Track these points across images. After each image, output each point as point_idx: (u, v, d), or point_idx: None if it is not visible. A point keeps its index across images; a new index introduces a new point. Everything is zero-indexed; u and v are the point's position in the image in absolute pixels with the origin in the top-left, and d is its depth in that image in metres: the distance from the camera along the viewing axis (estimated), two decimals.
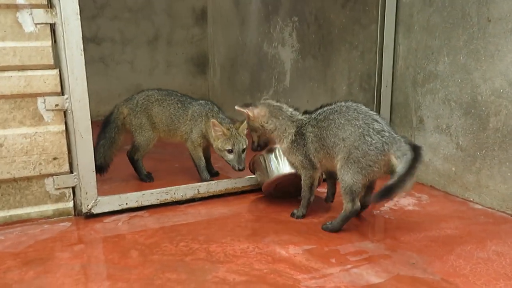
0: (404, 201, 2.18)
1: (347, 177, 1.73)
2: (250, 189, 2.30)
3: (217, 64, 4.96)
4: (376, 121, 1.76)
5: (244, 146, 2.32)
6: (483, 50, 2.06)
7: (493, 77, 2.02)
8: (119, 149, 2.59)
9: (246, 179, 2.31)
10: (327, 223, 1.85)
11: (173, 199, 2.15)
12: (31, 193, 1.99)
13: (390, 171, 1.71)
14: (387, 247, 1.69)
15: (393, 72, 2.58)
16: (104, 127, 2.57)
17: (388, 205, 2.13)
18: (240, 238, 1.78)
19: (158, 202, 2.13)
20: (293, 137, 1.89)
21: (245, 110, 1.99)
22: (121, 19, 4.69)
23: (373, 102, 2.65)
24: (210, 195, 2.23)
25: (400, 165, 1.63)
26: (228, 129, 2.30)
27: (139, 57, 4.83)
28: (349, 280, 1.45)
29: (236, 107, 2.06)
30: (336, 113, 1.81)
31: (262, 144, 2.06)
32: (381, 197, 1.63)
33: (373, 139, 1.71)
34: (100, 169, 2.48)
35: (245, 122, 2.21)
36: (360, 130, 1.73)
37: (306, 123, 1.89)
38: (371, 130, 1.73)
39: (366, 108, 1.83)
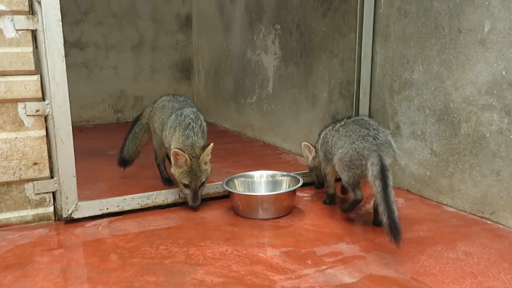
0: None
1: (343, 176, 1.97)
2: None
3: (202, 70, 5.01)
4: (362, 125, 1.96)
5: (203, 180, 2.13)
6: (454, 59, 2.15)
7: (464, 85, 2.11)
8: (143, 146, 2.66)
9: None
10: (343, 205, 2.09)
11: (154, 203, 2.18)
12: (10, 198, 1.99)
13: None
14: (362, 248, 1.75)
15: (371, 80, 2.66)
16: (133, 123, 2.70)
17: (365, 208, 2.20)
18: (219, 241, 1.82)
19: (139, 206, 2.15)
20: (320, 144, 2.20)
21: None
22: (105, 25, 4.70)
23: (352, 109, 2.72)
24: None
25: (376, 187, 1.77)
26: (188, 160, 2.07)
27: (123, 62, 4.85)
28: (324, 280, 1.50)
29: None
30: (342, 127, 2.05)
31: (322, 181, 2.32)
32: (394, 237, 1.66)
33: (358, 145, 1.88)
34: (124, 162, 2.62)
35: (208, 149, 2.11)
36: (352, 143, 1.91)
37: (327, 132, 2.16)
38: (356, 136, 1.91)
39: (367, 119, 2.05)
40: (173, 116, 2.30)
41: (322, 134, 2.23)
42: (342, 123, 2.08)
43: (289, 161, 3.11)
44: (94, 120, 4.81)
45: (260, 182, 2.36)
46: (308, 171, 2.45)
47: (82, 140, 3.88)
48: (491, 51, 1.97)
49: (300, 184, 2.18)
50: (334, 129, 2.10)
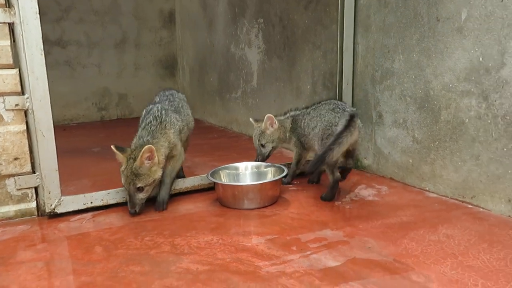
0: (364, 192, 2.28)
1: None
2: None
3: (186, 66, 4.99)
4: (330, 103, 2.23)
5: (139, 185, 1.92)
6: (433, 47, 2.18)
7: (443, 73, 2.15)
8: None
9: None
10: (323, 194, 2.18)
11: None
12: None
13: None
14: (346, 234, 1.77)
15: (353, 71, 2.69)
16: None
17: (349, 196, 2.22)
18: (204, 231, 1.82)
19: (124, 200, 2.13)
20: (290, 126, 2.38)
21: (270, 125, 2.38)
22: (87, 22, 4.65)
23: (335, 100, 2.74)
24: (176, 192, 2.25)
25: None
26: (124, 161, 1.94)
27: (106, 60, 4.80)
28: (308, 264, 1.51)
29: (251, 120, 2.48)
30: (313, 110, 2.29)
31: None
32: (314, 164, 1.97)
33: (329, 116, 2.14)
34: None
35: (143, 151, 1.89)
36: (322, 117, 2.17)
37: (298, 115, 2.37)
38: (325, 111, 2.18)
39: (334, 100, 2.30)
40: (143, 112, 2.21)
41: (291, 113, 2.42)
42: (313, 107, 2.31)
43: (274, 154, 3.12)
44: (77, 118, 4.76)
45: (245, 173, 2.37)
46: (259, 144, 2.39)
47: (66, 138, 3.85)
48: (468, 38, 2.01)
49: (284, 174, 2.20)
50: (306, 112, 2.33)
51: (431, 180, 2.26)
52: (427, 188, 2.28)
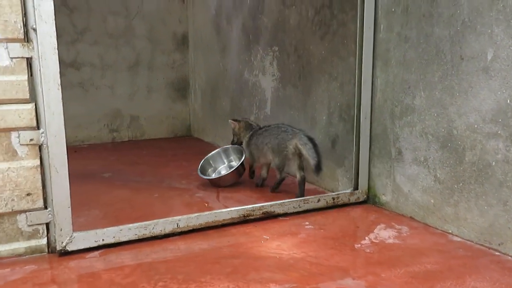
0: (384, 234, 2.19)
1: (276, 160, 2.82)
2: (231, 222, 2.27)
3: (198, 89, 4.98)
4: (282, 127, 2.87)
5: None
6: (457, 86, 2.12)
7: (467, 112, 2.09)
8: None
9: (227, 212, 2.28)
10: (271, 188, 2.92)
11: (151, 234, 2.10)
12: (2, 231, 1.90)
13: (299, 154, 2.73)
14: (368, 284, 1.68)
15: (371, 104, 2.63)
16: None
17: (369, 237, 2.14)
18: (220, 276, 1.74)
19: (136, 237, 2.07)
20: (247, 139, 3.04)
21: (234, 123, 3.15)
22: (101, 44, 4.67)
23: (352, 133, 2.69)
24: (190, 229, 2.19)
25: (308, 151, 2.67)
26: None
27: (119, 82, 4.81)
28: None
29: (229, 120, 3.17)
30: (266, 130, 2.93)
31: (238, 142, 3.17)
32: (317, 171, 2.63)
33: (281, 135, 2.80)
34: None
35: None
36: (274, 135, 2.83)
37: (256, 132, 3.01)
38: (279, 131, 2.83)
39: (285, 125, 2.92)
40: None
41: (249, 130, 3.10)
42: (263, 129, 2.96)
43: (288, 184, 3.04)
44: (89, 139, 4.74)
45: None
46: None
47: (77, 161, 3.81)
48: (495, 79, 1.95)
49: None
50: (258, 133, 2.97)
51: (455, 223, 2.17)
52: (450, 231, 2.19)
